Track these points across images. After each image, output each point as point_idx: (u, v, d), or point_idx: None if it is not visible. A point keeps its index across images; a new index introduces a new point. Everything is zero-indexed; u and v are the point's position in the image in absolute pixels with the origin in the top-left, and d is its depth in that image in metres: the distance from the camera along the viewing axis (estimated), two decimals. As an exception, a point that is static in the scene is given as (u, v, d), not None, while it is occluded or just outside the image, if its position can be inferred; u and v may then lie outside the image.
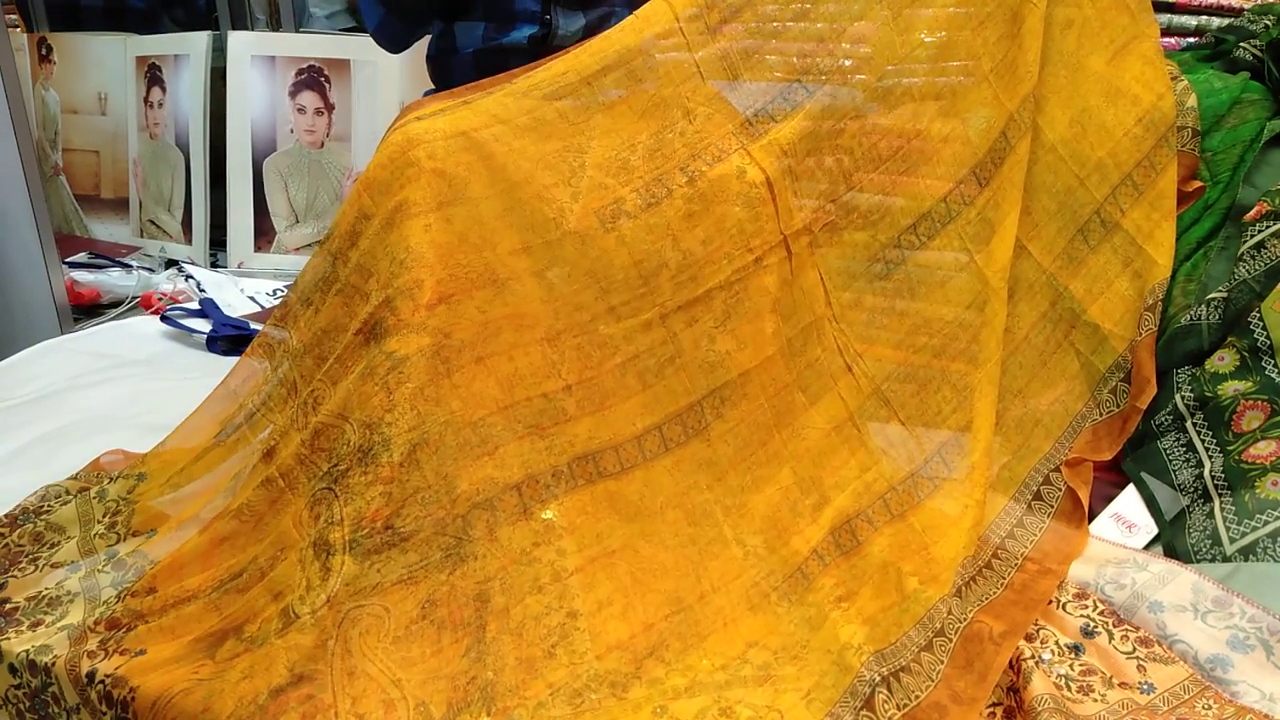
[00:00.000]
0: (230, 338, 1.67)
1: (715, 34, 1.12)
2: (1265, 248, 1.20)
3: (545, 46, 1.36)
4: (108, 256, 2.18)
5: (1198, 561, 1.03)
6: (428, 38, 1.50)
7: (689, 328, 1.05)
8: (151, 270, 2.13)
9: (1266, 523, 1.01)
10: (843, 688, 0.87)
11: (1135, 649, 0.94)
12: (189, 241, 2.25)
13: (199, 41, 2.22)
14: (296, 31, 2.48)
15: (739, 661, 0.93)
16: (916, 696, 0.88)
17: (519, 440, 0.96)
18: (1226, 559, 1.02)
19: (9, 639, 0.92)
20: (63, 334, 1.80)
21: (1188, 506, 1.10)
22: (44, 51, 2.43)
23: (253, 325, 1.71)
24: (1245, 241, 1.22)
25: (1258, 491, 1.04)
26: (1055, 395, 1.25)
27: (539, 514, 0.95)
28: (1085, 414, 1.25)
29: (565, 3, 1.36)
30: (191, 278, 1.96)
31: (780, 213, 1.11)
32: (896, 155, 1.19)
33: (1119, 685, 0.90)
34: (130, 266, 2.13)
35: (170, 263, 2.18)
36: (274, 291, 1.97)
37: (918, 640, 0.93)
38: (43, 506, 1.13)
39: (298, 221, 2.19)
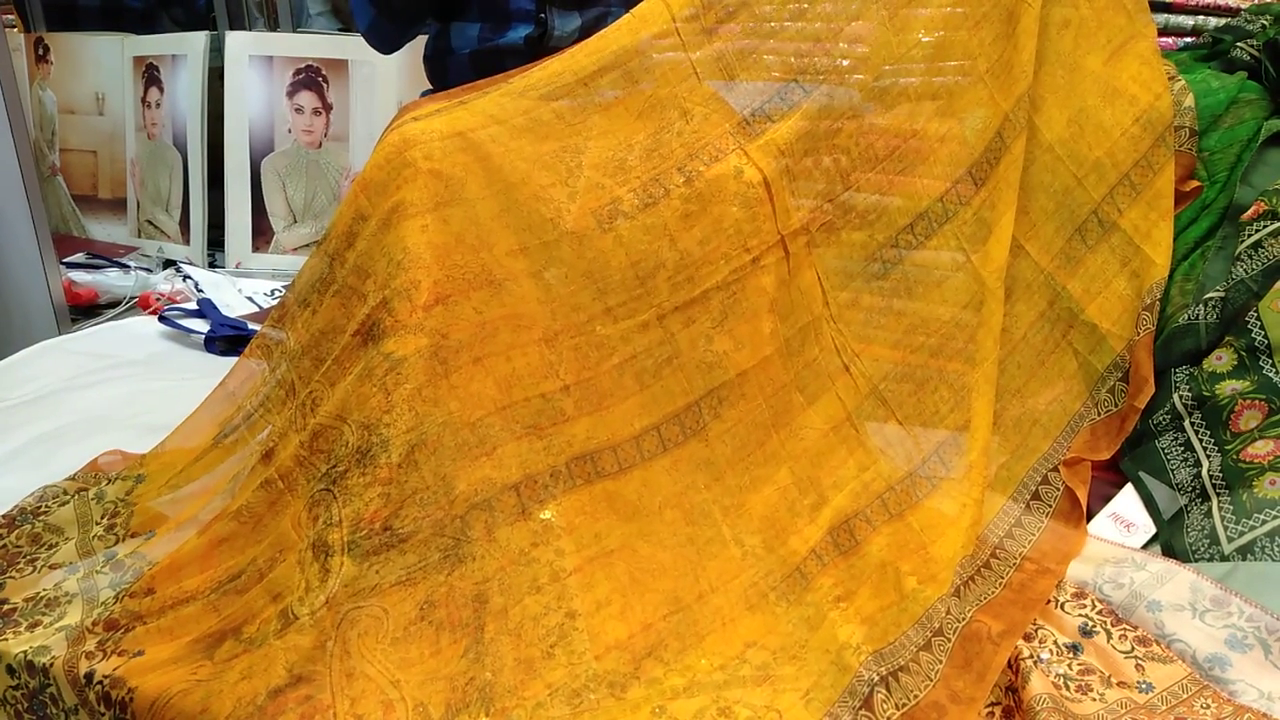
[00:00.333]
0: (228, 338, 1.67)
1: (712, 34, 1.12)
2: (1263, 247, 1.20)
3: (541, 47, 1.36)
4: (105, 257, 2.18)
5: (1196, 561, 1.03)
6: (424, 38, 1.50)
7: (686, 328, 1.05)
8: (149, 270, 2.13)
9: (1264, 522, 1.02)
10: (841, 687, 0.88)
11: (1133, 648, 0.94)
12: (187, 242, 2.25)
13: (196, 41, 2.22)
14: (294, 32, 2.48)
15: (737, 661, 0.93)
16: (915, 696, 0.88)
17: (517, 441, 0.96)
18: (1224, 558, 1.02)
19: (7, 640, 0.92)
20: (60, 334, 1.80)
21: (1186, 506, 1.10)
22: (41, 51, 2.43)
23: (250, 325, 1.71)
24: (1243, 241, 1.23)
25: (1255, 491, 1.05)
26: (1053, 395, 1.25)
27: (537, 514, 0.95)
28: (1083, 413, 1.26)
29: (560, 3, 1.36)
30: (189, 278, 1.96)
31: (777, 213, 1.11)
32: (893, 155, 1.19)
33: (1117, 684, 0.91)
34: (128, 267, 2.13)
35: (168, 263, 2.18)
36: (272, 292, 1.97)
37: (916, 640, 0.93)
38: (41, 507, 1.13)
39: (295, 221, 2.19)
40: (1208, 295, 1.23)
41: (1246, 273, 1.21)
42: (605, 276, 1.03)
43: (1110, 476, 1.21)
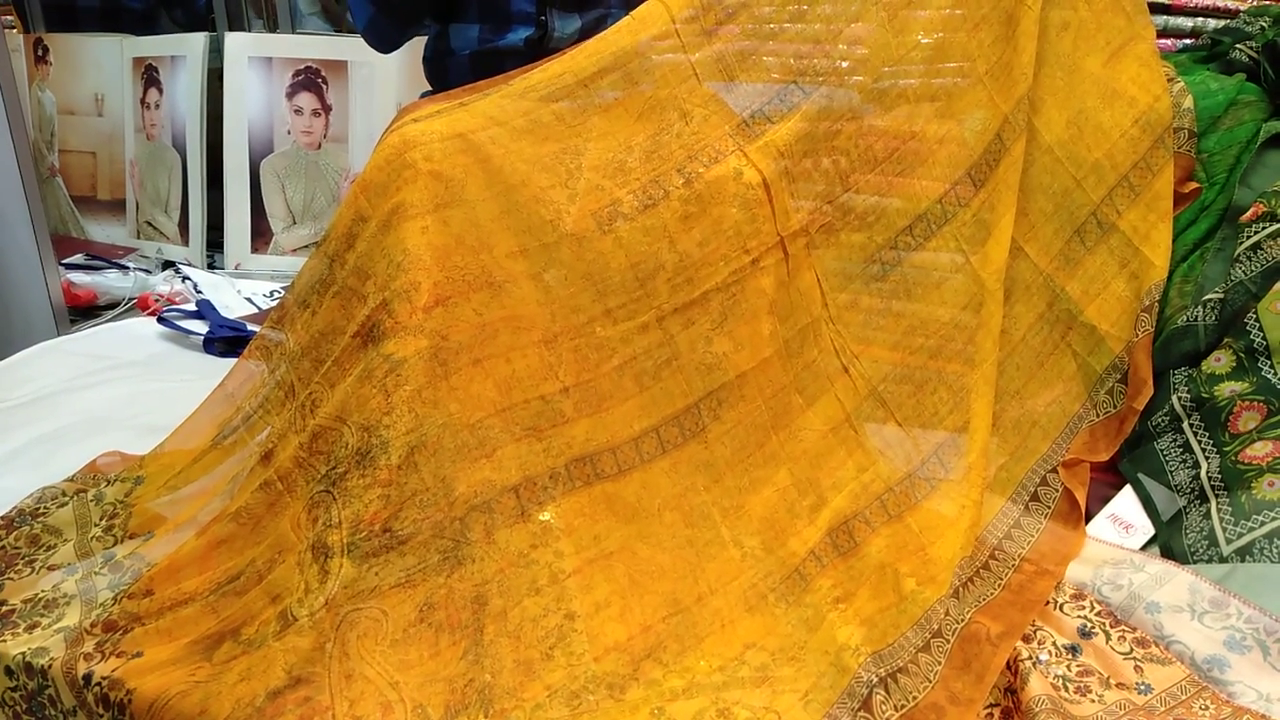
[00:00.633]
0: (227, 339, 1.67)
1: (711, 36, 1.12)
2: (1262, 249, 1.21)
3: (541, 48, 1.36)
4: (104, 258, 2.18)
5: (1195, 562, 1.03)
6: (424, 39, 1.50)
7: (686, 330, 1.06)
8: (148, 271, 2.13)
9: (1263, 523, 1.02)
10: (840, 689, 0.88)
11: (1132, 650, 0.94)
12: (186, 243, 2.25)
13: (196, 43, 2.22)
14: (293, 33, 2.48)
15: (737, 663, 0.93)
16: (914, 697, 0.88)
17: (516, 442, 0.96)
18: (1223, 559, 1.02)
19: (5, 641, 0.92)
20: (59, 335, 1.80)
21: (1185, 507, 1.10)
22: (40, 52, 2.43)
23: (250, 327, 1.71)
24: (1242, 243, 1.23)
25: (1254, 492, 1.05)
26: (1052, 396, 1.25)
27: (536, 516, 0.95)
28: (1082, 415, 1.26)
29: (561, 5, 1.36)
30: (188, 279, 1.96)
31: (777, 214, 1.11)
32: (892, 157, 1.19)
33: (1116, 686, 0.91)
34: (127, 268, 2.13)
35: (167, 264, 2.18)
36: (271, 293, 1.97)
37: (915, 641, 0.93)
38: (39, 509, 1.13)
39: (295, 223, 2.19)
40: (1207, 297, 1.23)
41: (1245, 274, 1.21)
42: (605, 278, 1.03)
43: (1109, 478, 1.21)
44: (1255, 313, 1.18)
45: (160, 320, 1.75)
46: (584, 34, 1.39)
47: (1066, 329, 1.28)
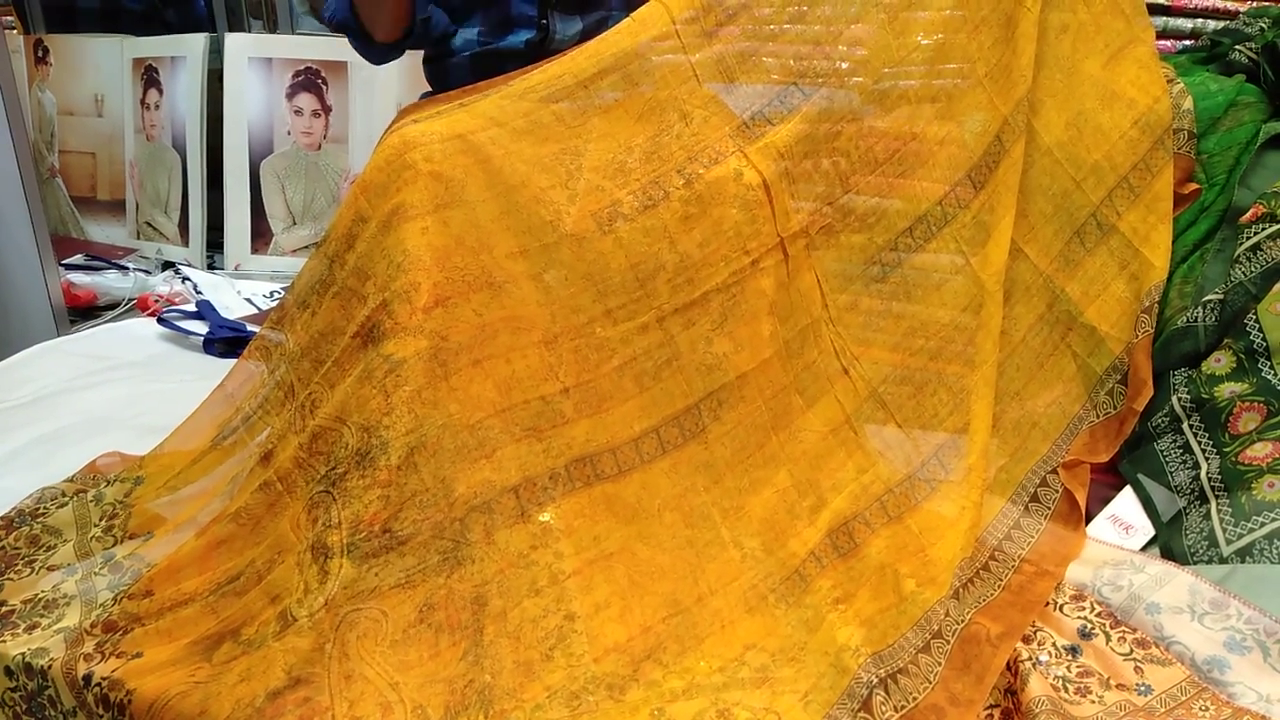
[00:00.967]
0: (227, 340, 1.67)
1: (712, 37, 1.12)
2: (1261, 250, 1.21)
3: (543, 51, 1.36)
4: (104, 258, 2.18)
5: (1195, 563, 1.03)
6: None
7: (686, 330, 1.06)
8: (148, 272, 2.13)
9: (1263, 524, 1.02)
10: (840, 689, 0.88)
11: (1132, 650, 0.94)
12: (186, 243, 2.25)
13: (196, 43, 2.22)
14: (293, 33, 2.48)
15: (737, 663, 0.93)
16: (914, 698, 0.88)
17: (516, 443, 0.96)
18: (1223, 560, 1.02)
19: (5, 642, 0.92)
20: (59, 336, 1.80)
21: (1185, 508, 1.10)
22: (40, 53, 2.43)
23: (250, 327, 1.71)
24: (1241, 244, 1.23)
25: (1254, 493, 1.05)
26: (1052, 397, 1.25)
27: (536, 517, 0.95)
28: (1082, 416, 1.26)
29: (562, 7, 1.36)
30: (188, 280, 1.96)
31: (777, 215, 1.11)
32: (893, 158, 1.19)
33: (1116, 687, 0.91)
34: (127, 268, 2.13)
35: (167, 265, 2.18)
36: (271, 294, 1.97)
37: (915, 642, 0.93)
38: (39, 509, 1.13)
39: (295, 223, 2.19)
40: (1206, 298, 1.23)
41: (1245, 275, 1.21)
42: (605, 279, 1.03)
43: (1109, 479, 1.21)
44: (1255, 314, 1.18)
45: (160, 321, 1.75)
46: (585, 36, 1.39)
47: (1066, 330, 1.28)
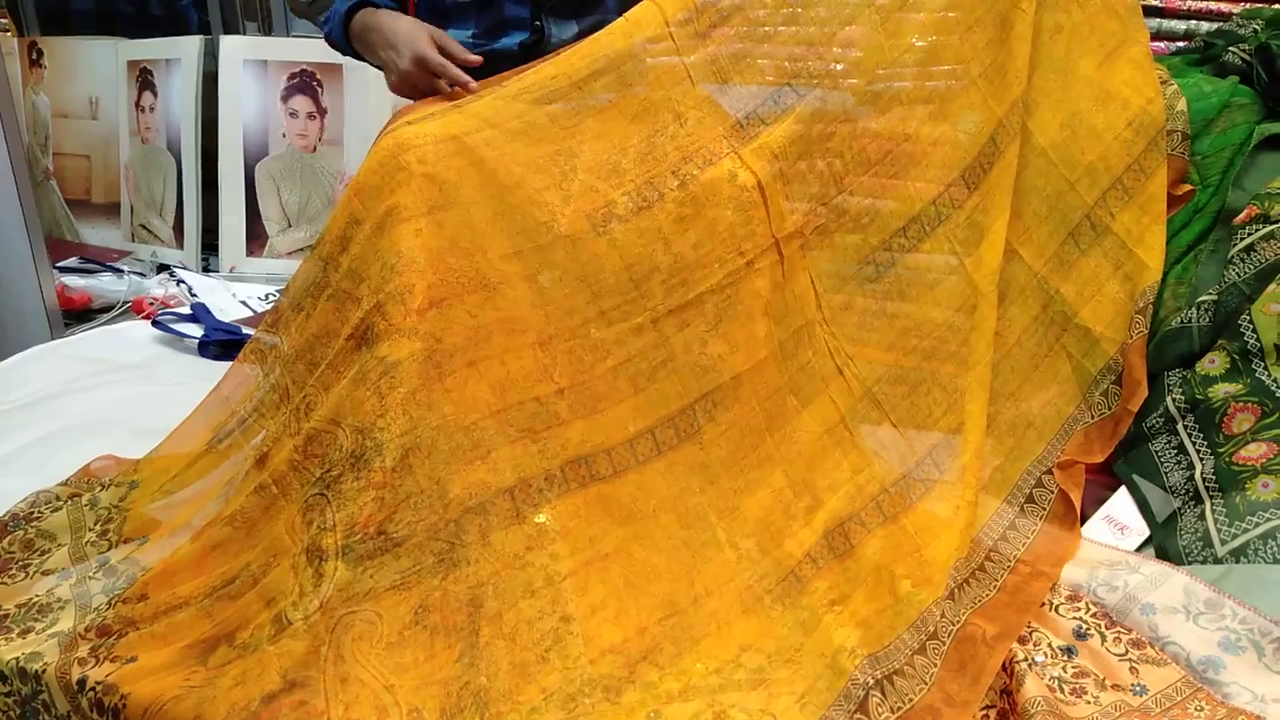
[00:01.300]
0: (222, 342, 1.67)
1: (706, 38, 1.12)
2: (1255, 251, 1.21)
3: (537, 54, 1.35)
4: (99, 261, 2.18)
5: (1189, 563, 1.03)
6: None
7: (680, 331, 1.06)
8: (143, 275, 2.12)
9: (1257, 524, 1.02)
10: (836, 691, 0.88)
11: (1127, 651, 0.94)
12: (180, 246, 2.25)
13: (190, 46, 2.21)
14: (287, 36, 2.48)
15: (733, 665, 0.93)
16: (910, 699, 0.88)
17: (511, 444, 0.96)
18: (1218, 561, 1.02)
19: (-1, 646, 0.92)
20: (54, 339, 1.79)
21: (1179, 509, 1.10)
22: (35, 56, 2.42)
23: (244, 330, 1.70)
24: (1235, 245, 1.23)
25: (1248, 493, 1.05)
26: (1047, 398, 1.26)
27: (532, 518, 0.95)
28: (1077, 417, 1.26)
29: (556, 11, 1.36)
30: (183, 282, 1.96)
31: (771, 216, 1.11)
32: (886, 159, 1.19)
33: (1111, 687, 0.91)
34: (121, 271, 2.12)
35: (162, 267, 2.17)
36: (266, 296, 1.96)
37: (911, 643, 0.93)
38: (33, 513, 1.12)
39: (290, 226, 2.19)
40: (1200, 299, 1.23)
41: (1239, 276, 1.21)
42: (599, 280, 1.03)
43: (1104, 479, 1.21)
44: (1249, 314, 1.18)
45: (155, 324, 1.75)
46: (580, 39, 1.39)
47: (1061, 331, 1.28)
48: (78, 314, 1.96)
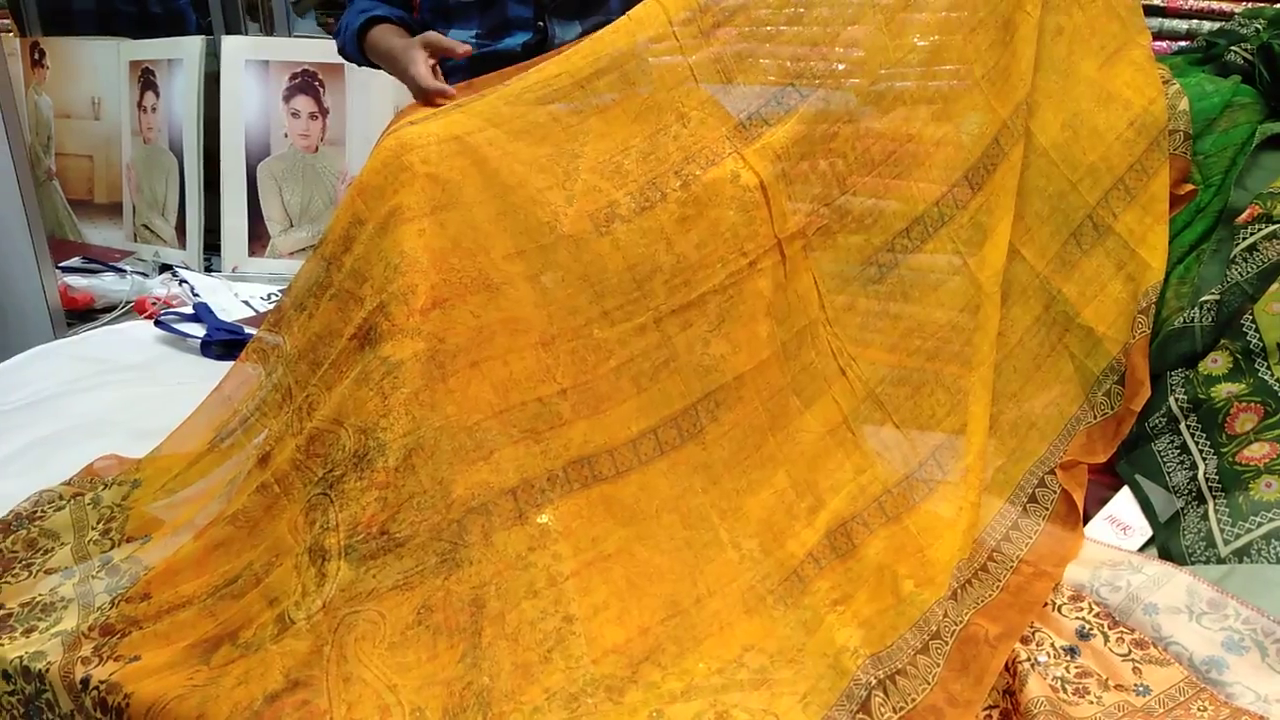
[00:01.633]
0: (224, 342, 1.67)
1: (709, 38, 1.12)
2: (1257, 250, 1.21)
3: (540, 54, 1.36)
4: (101, 261, 2.18)
5: (1192, 563, 1.03)
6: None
7: (683, 331, 1.06)
8: (145, 275, 2.12)
9: (1260, 524, 1.02)
10: (839, 691, 0.88)
11: (1130, 651, 0.94)
12: (183, 246, 2.25)
13: (192, 46, 2.21)
14: (289, 36, 2.48)
15: (735, 665, 0.93)
16: (912, 699, 0.88)
17: (514, 445, 0.96)
18: (1221, 561, 1.02)
19: (3, 645, 0.92)
20: (56, 339, 1.79)
21: (1182, 509, 1.10)
22: (37, 56, 2.42)
23: (247, 330, 1.70)
24: (1237, 244, 1.23)
25: (1251, 493, 1.05)
26: (1050, 398, 1.25)
27: (534, 518, 0.95)
28: (1080, 417, 1.26)
29: (559, 11, 1.36)
30: (185, 282, 1.96)
31: (774, 217, 1.11)
32: (889, 159, 1.19)
33: (1114, 687, 0.91)
34: (124, 271, 2.12)
35: (164, 267, 2.17)
36: (268, 296, 1.96)
37: (913, 643, 0.93)
38: (36, 512, 1.12)
39: (292, 226, 2.19)
40: (1203, 298, 1.23)
41: (1241, 276, 1.21)
42: (602, 280, 1.03)
43: (1107, 479, 1.21)
44: (1252, 314, 1.18)
45: (157, 324, 1.75)
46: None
47: (1064, 331, 1.28)
48: (80, 314, 1.97)
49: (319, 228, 2.14)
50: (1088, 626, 0.98)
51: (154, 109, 2.28)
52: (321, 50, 2.16)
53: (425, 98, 1.15)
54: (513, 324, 0.99)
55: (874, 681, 0.88)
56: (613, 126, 1.07)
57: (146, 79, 2.28)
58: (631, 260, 1.04)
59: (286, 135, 2.17)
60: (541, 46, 1.34)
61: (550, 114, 1.05)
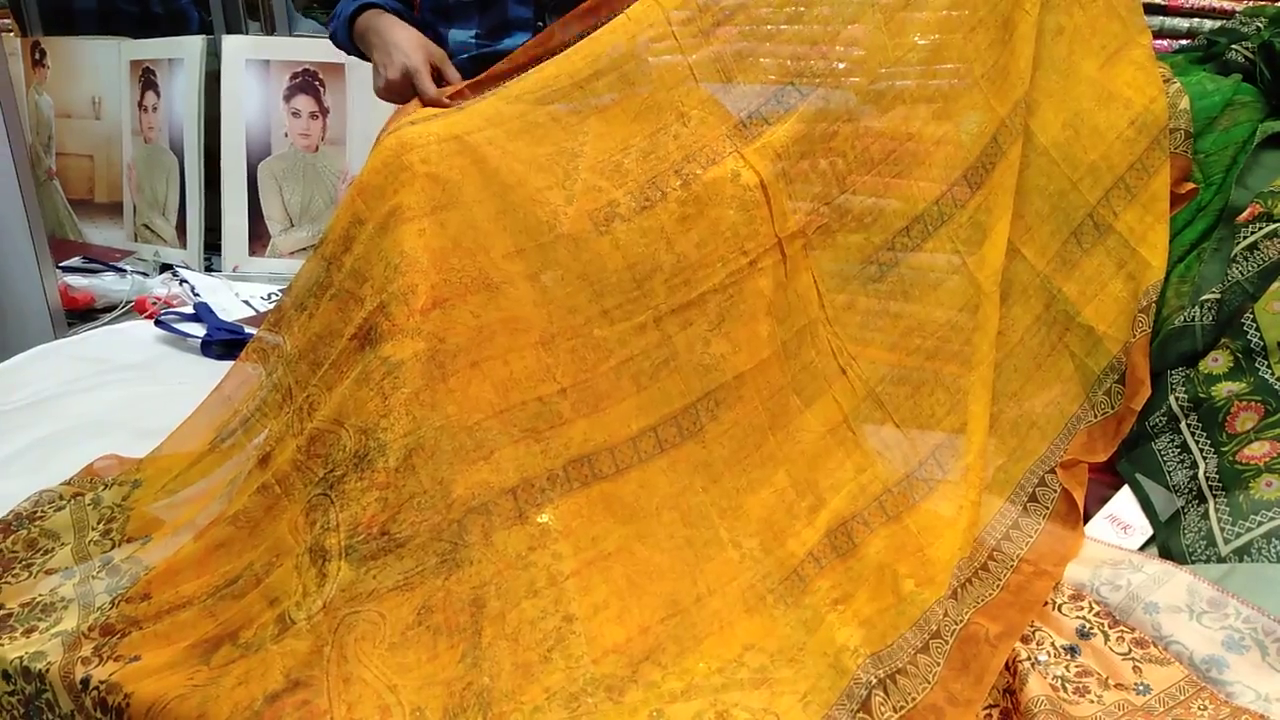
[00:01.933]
0: (225, 342, 1.67)
1: (708, 37, 1.12)
2: (1258, 249, 1.21)
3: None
4: (102, 261, 2.18)
5: (1193, 562, 1.03)
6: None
7: (683, 330, 1.06)
8: (146, 275, 2.12)
9: (1261, 523, 1.02)
10: (839, 690, 0.88)
11: (1131, 650, 0.94)
12: (183, 245, 2.25)
13: (193, 45, 2.21)
14: (290, 35, 2.48)
15: (735, 664, 0.93)
16: (913, 699, 0.88)
17: (514, 444, 0.96)
18: (1221, 560, 1.02)
19: (3, 645, 0.92)
20: (56, 339, 1.80)
21: (1182, 508, 1.10)
22: (38, 56, 2.42)
23: (247, 330, 1.70)
24: (1238, 243, 1.23)
25: (1252, 492, 1.05)
26: (1050, 397, 1.25)
27: (534, 518, 0.95)
28: (1080, 416, 1.26)
29: (559, 12, 1.36)
30: (186, 282, 1.96)
31: (774, 216, 1.11)
32: (889, 158, 1.19)
33: (1115, 686, 0.91)
34: (124, 271, 2.12)
35: (164, 267, 2.18)
36: (268, 296, 1.96)
37: (914, 642, 0.93)
38: (36, 512, 1.12)
39: (292, 225, 2.19)
40: (1204, 297, 1.23)
41: (1242, 274, 1.21)
42: (602, 279, 1.03)
43: (1107, 478, 1.21)
44: (1252, 313, 1.18)
45: (158, 323, 1.75)
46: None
47: (1064, 330, 1.28)
48: (81, 314, 1.97)
49: (319, 227, 2.14)
50: (1088, 625, 0.98)
51: (155, 108, 2.28)
52: (322, 50, 2.16)
53: (409, 86, 1.15)
54: (513, 323, 0.99)
55: (874, 680, 0.88)
56: (612, 126, 1.07)
57: (147, 78, 2.28)
58: (631, 259, 1.04)
59: (287, 135, 2.17)
60: (541, 46, 1.34)
61: (550, 114, 1.05)
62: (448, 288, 0.96)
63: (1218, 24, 1.60)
